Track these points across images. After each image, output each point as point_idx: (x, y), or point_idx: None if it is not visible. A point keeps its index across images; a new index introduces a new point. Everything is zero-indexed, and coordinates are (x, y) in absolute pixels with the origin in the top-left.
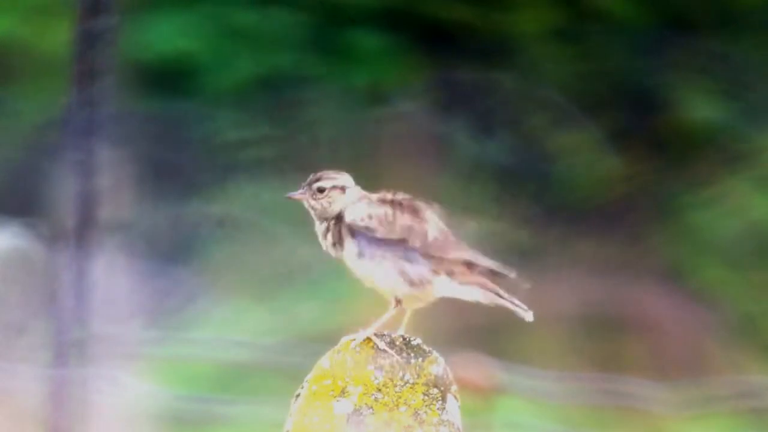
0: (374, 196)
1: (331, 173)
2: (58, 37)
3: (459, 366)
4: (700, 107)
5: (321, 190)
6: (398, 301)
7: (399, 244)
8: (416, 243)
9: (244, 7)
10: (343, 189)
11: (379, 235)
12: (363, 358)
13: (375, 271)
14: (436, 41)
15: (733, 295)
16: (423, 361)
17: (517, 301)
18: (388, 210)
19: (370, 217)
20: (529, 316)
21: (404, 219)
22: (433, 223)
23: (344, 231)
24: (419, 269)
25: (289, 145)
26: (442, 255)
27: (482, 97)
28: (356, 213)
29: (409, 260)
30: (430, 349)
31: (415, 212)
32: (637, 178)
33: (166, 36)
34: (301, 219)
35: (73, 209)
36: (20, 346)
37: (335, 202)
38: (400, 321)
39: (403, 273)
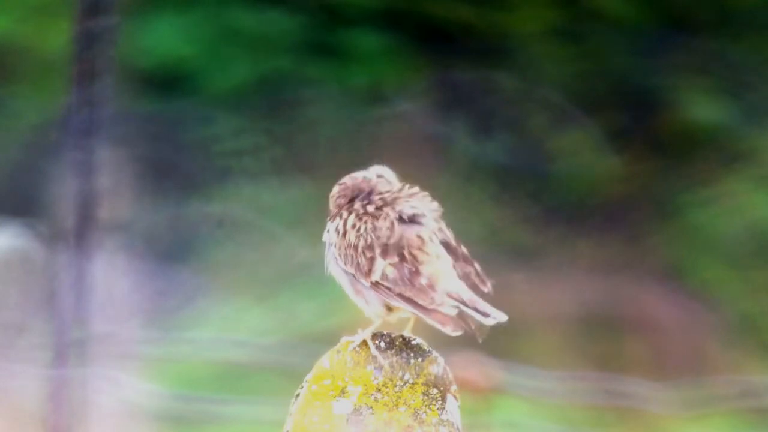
0: (358, 204)
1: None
2: (58, 37)
3: (459, 366)
4: (700, 107)
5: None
6: (389, 309)
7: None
8: (361, 280)
9: (244, 8)
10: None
11: (340, 263)
12: (363, 358)
13: (347, 291)
14: (436, 41)
15: (733, 295)
16: (423, 361)
17: (486, 309)
18: (351, 233)
19: (336, 245)
20: (498, 318)
21: (358, 251)
22: (394, 249)
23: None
24: (370, 298)
25: (289, 145)
26: (387, 299)
27: (482, 97)
28: (330, 235)
29: (359, 291)
30: (430, 348)
31: (388, 246)
32: (637, 178)
33: (166, 36)
34: (300, 219)
35: (72, 209)
36: (20, 346)
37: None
38: (405, 321)
39: (360, 300)
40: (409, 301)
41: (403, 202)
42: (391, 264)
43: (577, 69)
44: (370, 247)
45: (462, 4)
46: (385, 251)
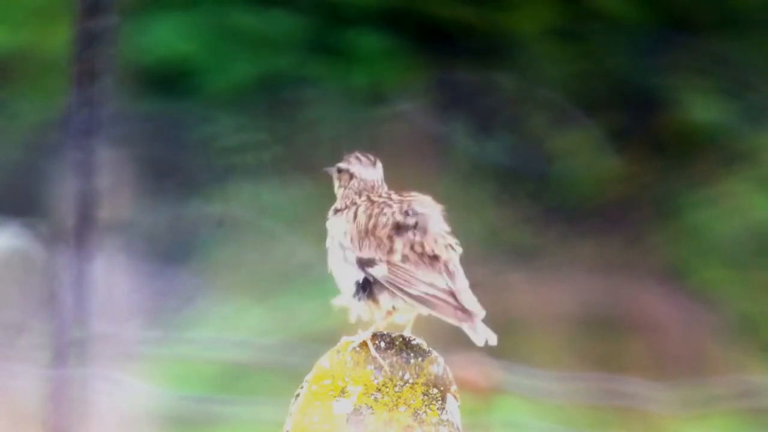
0: (365, 200)
1: (352, 157)
2: (58, 37)
3: (459, 366)
4: (700, 107)
5: (338, 170)
6: (388, 312)
7: (367, 263)
8: (381, 262)
9: (244, 8)
10: (351, 176)
11: (349, 252)
12: (363, 358)
13: (345, 291)
14: (436, 41)
15: (733, 295)
16: (423, 360)
17: (478, 328)
18: (362, 222)
19: (345, 233)
20: (489, 340)
21: (378, 230)
22: (404, 234)
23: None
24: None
25: (289, 145)
26: (405, 286)
27: (482, 97)
28: (337, 227)
29: (364, 289)
30: (430, 348)
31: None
32: (637, 178)
33: (166, 36)
34: (300, 219)
35: (73, 209)
36: (20, 346)
37: (342, 189)
38: (405, 321)
39: (355, 293)
40: (429, 285)
41: (413, 202)
42: (410, 242)
43: (577, 69)
44: (386, 225)
45: (462, 4)
46: (402, 231)
